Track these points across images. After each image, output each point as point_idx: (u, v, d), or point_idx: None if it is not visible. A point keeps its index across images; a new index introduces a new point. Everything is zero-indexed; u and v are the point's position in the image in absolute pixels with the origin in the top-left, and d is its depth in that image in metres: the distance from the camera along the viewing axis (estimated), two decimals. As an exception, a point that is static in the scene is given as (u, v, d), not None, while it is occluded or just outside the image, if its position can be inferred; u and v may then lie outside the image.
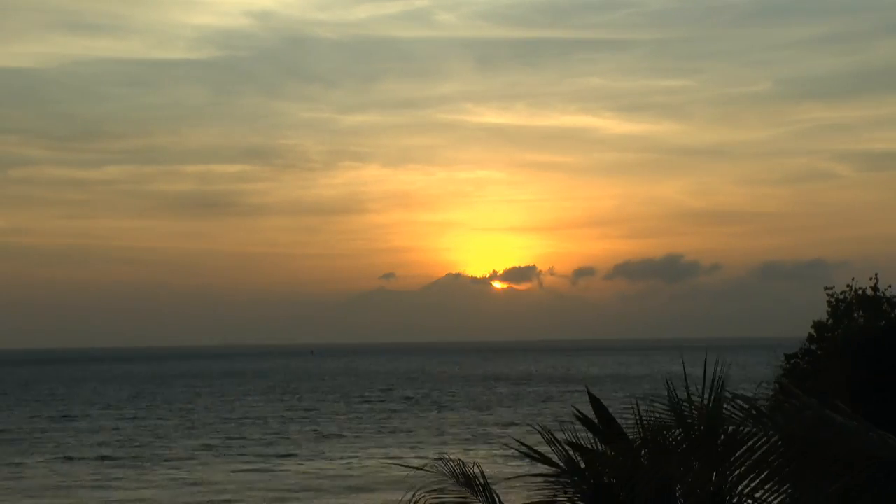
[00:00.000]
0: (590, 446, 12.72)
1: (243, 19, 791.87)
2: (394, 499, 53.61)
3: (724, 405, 11.48)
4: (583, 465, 12.67)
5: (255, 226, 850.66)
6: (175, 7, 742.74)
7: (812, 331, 30.96)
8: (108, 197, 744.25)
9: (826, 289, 32.21)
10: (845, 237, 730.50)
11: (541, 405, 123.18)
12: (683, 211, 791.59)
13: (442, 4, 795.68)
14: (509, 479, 13.50)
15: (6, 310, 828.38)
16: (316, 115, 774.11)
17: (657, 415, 11.70)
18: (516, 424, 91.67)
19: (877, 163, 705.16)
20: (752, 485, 11.21)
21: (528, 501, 12.82)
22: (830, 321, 31.30)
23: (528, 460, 13.13)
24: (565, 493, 12.71)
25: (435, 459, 13.71)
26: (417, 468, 13.68)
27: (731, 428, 11.31)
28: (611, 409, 13.03)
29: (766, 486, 11.13)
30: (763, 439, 11.12)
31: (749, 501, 11.31)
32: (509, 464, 59.38)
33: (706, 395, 11.76)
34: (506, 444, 15.79)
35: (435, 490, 13.35)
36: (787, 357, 30.35)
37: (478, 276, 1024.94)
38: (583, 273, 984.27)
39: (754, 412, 11.26)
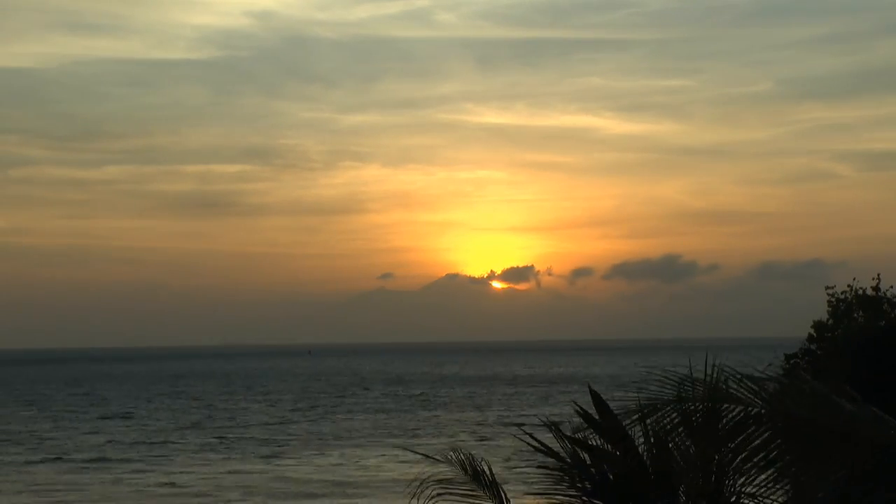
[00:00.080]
0: (594, 443, 12.78)
1: (243, 19, 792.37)
2: (393, 499, 53.64)
3: (732, 385, 11.53)
4: (588, 462, 12.72)
5: (255, 226, 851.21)
6: (175, 7, 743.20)
7: (812, 331, 30.97)
8: (108, 197, 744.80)
9: (827, 288, 32.21)
10: (845, 237, 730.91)
11: (540, 405, 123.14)
12: (683, 211, 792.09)
13: (442, 4, 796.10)
14: (512, 468, 13.56)
15: (6, 310, 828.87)
16: (316, 114, 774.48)
17: (659, 390, 11.80)
18: (517, 423, 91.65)
19: (877, 163, 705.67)
20: (757, 467, 11.23)
21: (532, 494, 12.89)
22: (830, 321, 31.30)
23: (531, 457, 13.18)
24: (570, 487, 12.77)
25: (445, 450, 13.79)
26: (428, 456, 13.76)
27: (737, 408, 11.35)
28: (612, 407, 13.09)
29: (771, 469, 11.15)
30: (770, 421, 11.13)
31: (752, 485, 11.33)
32: (512, 460, 59.39)
33: (708, 373, 11.81)
34: (514, 435, 15.82)
35: (443, 481, 13.43)
36: (787, 357, 30.37)
37: (476, 276, 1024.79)
38: (581, 273, 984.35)
39: (764, 394, 11.29)
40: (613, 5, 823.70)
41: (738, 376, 11.59)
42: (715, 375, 11.78)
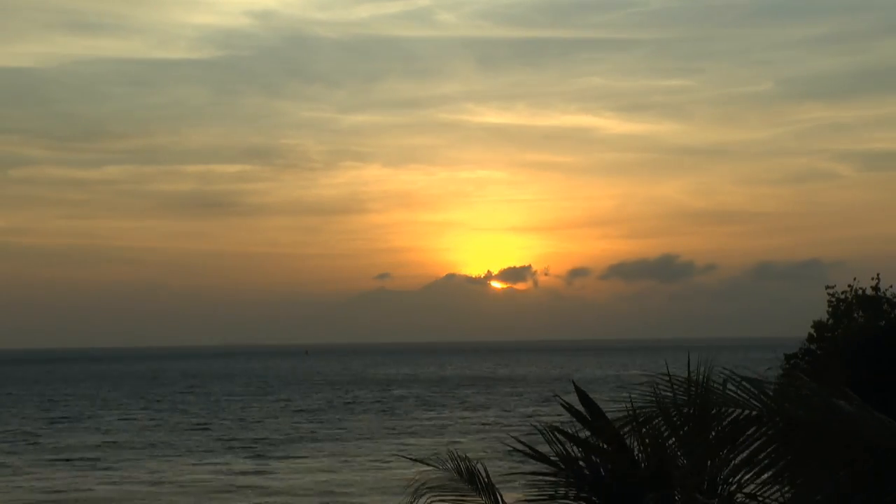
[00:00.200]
0: (584, 437, 12.66)
1: (244, 19, 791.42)
2: (393, 498, 53.54)
3: (731, 388, 11.43)
4: (581, 462, 12.61)
5: (255, 226, 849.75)
6: (176, 7, 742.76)
7: (812, 331, 30.88)
8: (108, 197, 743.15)
9: (827, 288, 32.12)
10: (844, 237, 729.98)
11: (537, 405, 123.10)
12: (683, 211, 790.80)
13: (443, 4, 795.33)
14: (507, 474, 13.45)
15: (6, 310, 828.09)
16: (317, 114, 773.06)
17: (650, 396, 11.71)
18: (513, 424, 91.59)
19: (877, 163, 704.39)
20: (756, 470, 11.14)
21: (526, 498, 12.77)
22: (830, 321, 31.21)
23: (527, 458, 13.07)
24: (564, 489, 12.66)
25: (440, 455, 13.67)
26: (422, 461, 13.65)
27: (737, 410, 11.25)
28: (607, 410, 12.98)
29: (770, 472, 11.07)
30: (769, 423, 11.04)
31: (751, 486, 11.24)
32: (507, 462, 59.27)
33: (697, 375, 11.66)
34: (504, 442, 15.71)
35: (437, 487, 13.30)
36: (787, 357, 30.29)
37: (473, 276, 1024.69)
38: (577, 273, 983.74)
39: (762, 396, 11.20)
40: (614, 5, 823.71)
41: (737, 378, 11.48)
42: (709, 378, 11.64)
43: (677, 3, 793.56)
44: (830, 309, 31.61)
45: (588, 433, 12.60)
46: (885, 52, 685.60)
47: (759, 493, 11.24)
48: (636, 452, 12.21)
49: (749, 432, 11.16)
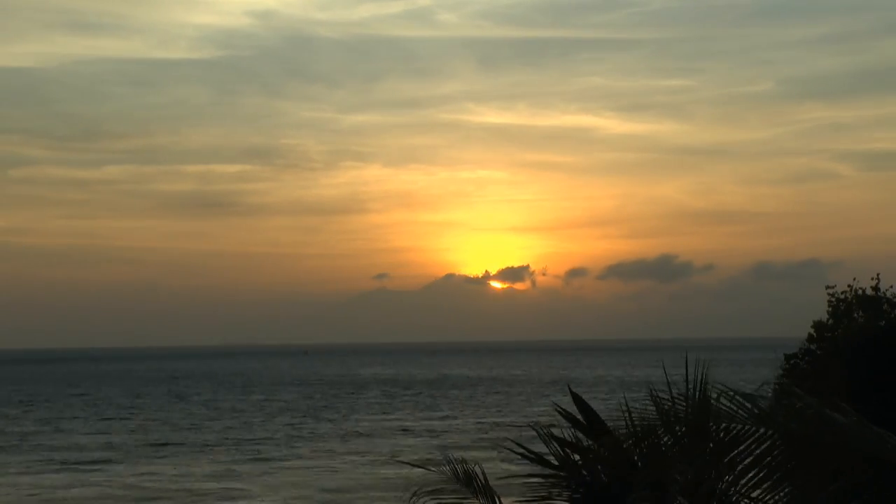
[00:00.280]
0: (584, 443, 12.60)
1: (245, 19, 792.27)
2: (391, 501, 53.49)
3: (725, 402, 11.35)
4: (579, 463, 12.55)
5: (255, 226, 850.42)
6: (176, 6, 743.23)
7: (812, 331, 30.79)
8: (108, 197, 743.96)
9: (827, 288, 32.05)
10: (843, 237, 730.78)
11: (536, 406, 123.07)
12: (683, 211, 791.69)
13: (443, 4, 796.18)
14: (503, 477, 13.38)
15: (6, 310, 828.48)
16: (317, 114, 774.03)
17: (648, 411, 11.62)
18: (511, 425, 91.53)
19: (877, 163, 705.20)
20: (751, 483, 11.10)
21: (524, 501, 12.70)
22: (830, 321, 31.13)
23: (524, 461, 13.00)
24: (561, 492, 12.59)
25: (437, 458, 13.60)
26: (419, 466, 13.56)
27: (731, 425, 11.19)
28: (603, 414, 12.91)
29: (765, 485, 11.02)
30: (763, 437, 11.00)
31: (746, 501, 11.18)
32: (504, 464, 59.22)
33: (692, 390, 11.57)
34: (501, 445, 15.70)
35: (434, 490, 13.23)
36: (787, 357, 30.21)
37: (472, 276, 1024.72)
38: (575, 273, 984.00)
39: (756, 410, 11.14)
40: (614, 5, 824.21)
41: (731, 393, 11.39)
42: (705, 392, 11.54)
43: (677, 3, 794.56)
44: (830, 309, 31.53)
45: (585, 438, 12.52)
46: (885, 52, 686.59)
47: (758, 497, 11.17)
48: (635, 457, 12.13)
49: (742, 447, 11.12)
